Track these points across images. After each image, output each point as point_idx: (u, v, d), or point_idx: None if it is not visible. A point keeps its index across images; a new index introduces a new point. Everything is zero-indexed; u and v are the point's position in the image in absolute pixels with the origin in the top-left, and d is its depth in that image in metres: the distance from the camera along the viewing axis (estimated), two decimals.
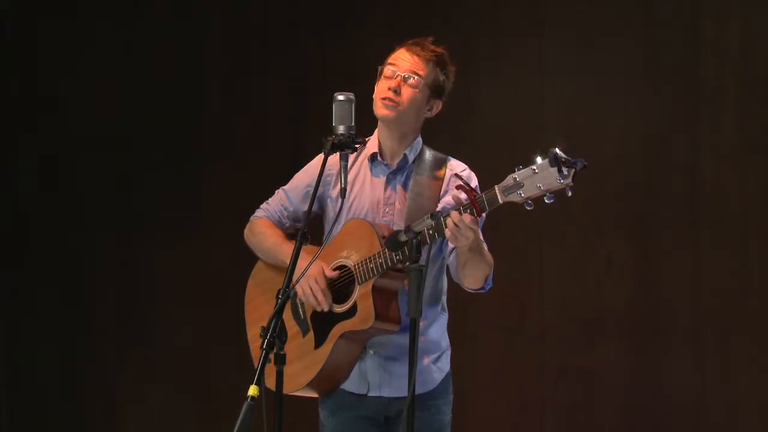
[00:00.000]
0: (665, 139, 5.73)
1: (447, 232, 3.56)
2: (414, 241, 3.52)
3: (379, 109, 3.89)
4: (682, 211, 5.69)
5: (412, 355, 3.43)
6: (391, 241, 3.66)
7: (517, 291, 5.81)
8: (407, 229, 3.56)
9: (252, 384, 3.29)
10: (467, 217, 3.53)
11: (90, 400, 6.65)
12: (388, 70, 3.89)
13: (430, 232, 3.58)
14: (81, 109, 6.63)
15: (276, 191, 4.13)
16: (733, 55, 5.64)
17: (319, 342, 3.87)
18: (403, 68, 3.88)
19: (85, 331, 6.61)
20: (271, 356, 3.41)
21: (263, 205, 4.14)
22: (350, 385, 3.94)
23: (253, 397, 3.27)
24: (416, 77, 3.87)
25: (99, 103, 6.60)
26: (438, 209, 3.81)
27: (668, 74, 5.73)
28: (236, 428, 3.25)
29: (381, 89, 3.89)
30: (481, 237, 3.73)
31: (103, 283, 6.61)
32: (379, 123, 3.97)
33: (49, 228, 6.67)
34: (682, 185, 5.71)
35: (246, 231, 4.13)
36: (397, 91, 3.86)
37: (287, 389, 3.81)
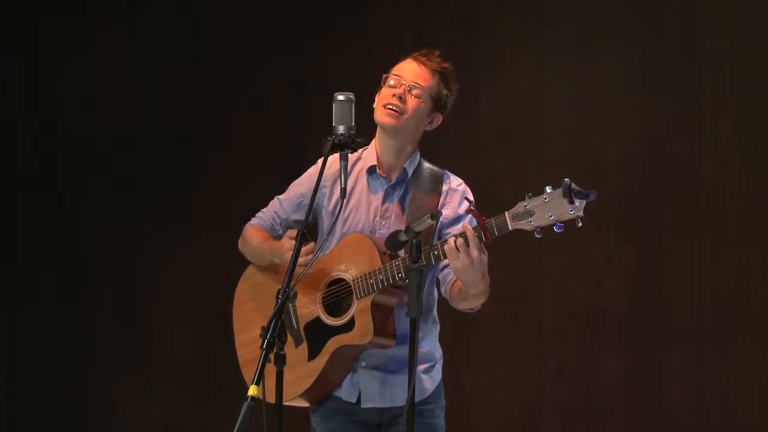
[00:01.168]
0: (665, 139, 5.73)
1: (446, 249, 3.55)
2: (414, 241, 3.52)
3: (382, 117, 3.88)
4: (682, 211, 5.69)
5: (413, 355, 3.43)
6: (391, 241, 3.66)
7: (517, 290, 5.81)
8: (407, 229, 3.56)
9: (252, 384, 3.29)
10: (459, 240, 3.52)
11: (90, 400, 6.65)
12: (393, 78, 3.89)
13: (435, 253, 3.59)
14: (81, 109, 6.63)
15: (274, 199, 4.13)
16: (733, 55, 5.64)
17: (312, 354, 3.87)
18: (408, 78, 3.87)
19: (85, 331, 6.62)
20: (271, 356, 3.41)
21: (258, 214, 4.14)
22: (342, 392, 3.94)
23: (253, 397, 3.27)
24: (420, 87, 3.87)
25: (99, 103, 6.60)
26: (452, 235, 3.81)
27: (668, 74, 5.73)
28: (236, 428, 3.25)
29: (385, 96, 3.89)
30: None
31: (103, 283, 6.61)
32: (378, 133, 3.97)
33: (48, 228, 6.67)
34: (682, 185, 5.70)
35: (239, 240, 4.13)
36: (402, 99, 3.86)
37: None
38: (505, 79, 5.98)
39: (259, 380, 3.30)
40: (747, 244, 5.61)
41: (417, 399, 3.84)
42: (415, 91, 3.86)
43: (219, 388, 6.27)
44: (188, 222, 6.50)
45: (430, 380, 3.96)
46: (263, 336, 3.39)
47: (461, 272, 3.57)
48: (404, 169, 3.94)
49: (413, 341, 3.43)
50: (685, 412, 5.68)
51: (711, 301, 5.65)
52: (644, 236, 5.76)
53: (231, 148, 6.45)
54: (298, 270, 3.56)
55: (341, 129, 3.62)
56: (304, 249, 3.63)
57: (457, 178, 3.97)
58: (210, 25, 6.55)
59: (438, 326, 4.02)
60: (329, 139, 3.63)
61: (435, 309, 3.98)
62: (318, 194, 3.92)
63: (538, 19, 5.94)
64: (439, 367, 4.01)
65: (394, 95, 3.85)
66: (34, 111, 6.71)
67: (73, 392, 6.65)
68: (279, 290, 3.47)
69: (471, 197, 3.88)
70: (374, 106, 3.92)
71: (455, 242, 3.53)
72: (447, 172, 3.97)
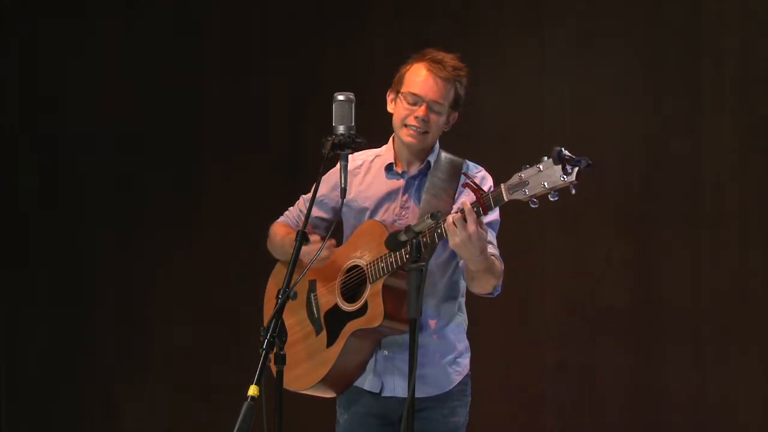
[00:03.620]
0: (665, 139, 5.73)
1: (445, 225, 3.57)
2: (414, 241, 3.52)
3: (406, 137, 3.92)
4: (682, 211, 5.69)
5: (412, 354, 3.44)
6: (391, 241, 3.67)
7: (518, 289, 5.80)
8: (407, 229, 3.57)
9: (252, 384, 3.29)
10: (457, 216, 3.55)
11: (90, 400, 6.65)
12: (411, 97, 3.89)
13: (438, 231, 3.60)
14: (81, 109, 6.63)
15: (299, 198, 4.17)
16: (733, 55, 5.64)
17: (330, 340, 3.91)
18: (428, 97, 3.88)
19: (85, 331, 6.62)
20: (271, 356, 3.42)
21: (285, 212, 4.18)
22: (365, 383, 3.97)
23: (253, 397, 3.27)
24: (440, 104, 3.89)
25: (99, 102, 6.60)
26: (455, 208, 3.83)
27: (668, 74, 5.74)
28: (236, 428, 3.25)
29: (405, 115, 3.90)
30: (492, 251, 3.76)
31: (103, 283, 6.61)
32: (395, 137, 4.00)
33: (49, 228, 6.67)
34: (682, 185, 5.71)
35: (267, 239, 4.16)
36: (425, 120, 3.88)
37: (300, 387, 3.92)
38: (505, 79, 5.98)
39: (260, 380, 3.31)
40: (747, 244, 5.61)
41: (440, 391, 3.94)
42: (436, 108, 3.89)
43: (219, 388, 6.28)
44: (188, 222, 6.50)
45: (455, 372, 3.98)
46: (263, 336, 3.41)
47: (459, 248, 3.58)
48: (427, 161, 3.97)
49: (413, 341, 3.44)
50: (685, 411, 5.69)
51: (711, 301, 5.66)
52: (644, 235, 5.76)
53: (231, 148, 6.45)
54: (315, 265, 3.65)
55: (341, 129, 3.64)
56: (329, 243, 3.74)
57: (477, 166, 3.99)
58: (210, 25, 6.55)
59: (464, 316, 4.03)
60: (329, 139, 3.64)
61: (461, 298, 4.00)
62: (339, 190, 3.93)
63: (538, 19, 5.94)
64: (464, 360, 4.02)
65: (416, 117, 3.88)
66: (34, 111, 6.71)
67: (73, 392, 6.65)
68: (279, 290, 3.49)
69: (490, 183, 3.91)
70: (390, 111, 3.94)
71: (452, 218, 3.55)
72: (467, 161, 4.00)
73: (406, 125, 3.90)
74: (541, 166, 3.44)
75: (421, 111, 3.88)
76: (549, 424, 5.90)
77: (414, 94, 3.89)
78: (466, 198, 3.77)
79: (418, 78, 3.90)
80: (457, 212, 3.57)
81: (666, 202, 5.72)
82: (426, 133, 3.90)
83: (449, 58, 3.92)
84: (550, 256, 5.88)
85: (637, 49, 5.79)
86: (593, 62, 5.85)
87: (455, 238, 3.56)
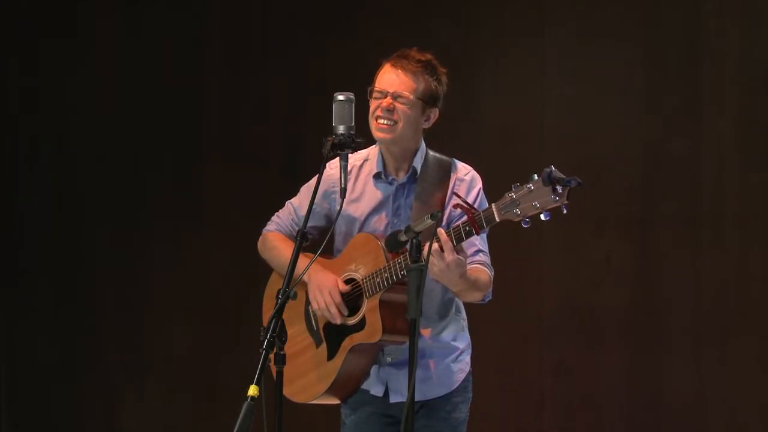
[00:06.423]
0: (665, 139, 5.73)
1: (422, 255, 3.57)
2: (414, 241, 3.52)
3: (375, 132, 3.90)
4: (682, 211, 5.69)
5: (412, 354, 3.44)
6: (391, 241, 3.66)
7: (516, 290, 5.81)
8: (407, 229, 3.57)
9: (252, 384, 3.30)
10: (435, 246, 3.55)
11: (90, 400, 6.65)
12: (377, 92, 3.88)
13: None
14: (81, 110, 6.63)
15: (286, 203, 4.13)
16: (733, 55, 5.65)
17: (331, 354, 3.91)
18: (392, 87, 3.87)
19: (85, 331, 6.61)
20: (271, 356, 3.42)
21: (274, 218, 4.13)
22: (370, 387, 3.97)
23: (253, 397, 3.28)
24: (405, 95, 3.86)
25: (99, 103, 6.60)
26: (446, 213, 3.84)
27: (668, 74, 5.74)
28: (236, 428, 3.25)
29: (373, 110, 3.89)
30: (482, 258, 3.81)
31: (103, 283, 6.61)
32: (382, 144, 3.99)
33: (48, 228, 6.67)
34: (682, 186, 5.71)
35: (259, 244, 4.13)
36: (390, 111, 3.86)
37: (304, 399, 3.94)
38: (505, 79, 5.98)
39: (260, 380, 3.31)
40: (747, 244, 5.61)
41: (446, 391, 3.95)
42: (401, 100, 3.86)
43: (219, 388, 6.28)
44: (188, 222, 6.50)
45: (459, 371, 3.99)
46: (263, 336, 3.41)
47: (438, 276, 3.63)
48: (413, 167, 3.94)
49: (412, 343, 3.44)
50: (685, 412, 5.69)
51: (711, 301, 5.66)
52: (644, 236, 5.76)
53: (231, 149, 6.45)
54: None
55: (341, 129, 3.64)
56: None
57: (466, 166, 3.98)
58: (210, 25, 6.55)
59: (462, 315, 4.03)
60: (329, 139, 3.64)
61: (458, 299, 3.98)
62: (329, 199, 3.97)
63: (538, 19, 5.94)
64: (467, 357, 4.03)
65: (381, 109, 3.86)
66: (34, 111, 6.70)
67: (73, 392, 6.65)
68: (279, 290, 3.49)
69: (480, 185, 3.91)
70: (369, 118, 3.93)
71: (430, 248, 3.55)
72: (455, 160, 3.97)
73: (375, 119, 3.88)
74: (531, 186, 3.45)
75: (385, 102, 3.85)
76: (548, 425, 5.90)
77: (379, 89, 3.88)
78: (453, 203, 3.77)
79: (384, 74, 3.91)
80: (431, 242, 3.55)
81: (666, 202, 5.72)
82: (394, 124, 3.86)
83: (415, 52, 3.90)
84: (549, 257, 5.87)
85: (637, 49, 5.79)
86: (593, 62, 5.85)
87: (433, 268, 3.58)
